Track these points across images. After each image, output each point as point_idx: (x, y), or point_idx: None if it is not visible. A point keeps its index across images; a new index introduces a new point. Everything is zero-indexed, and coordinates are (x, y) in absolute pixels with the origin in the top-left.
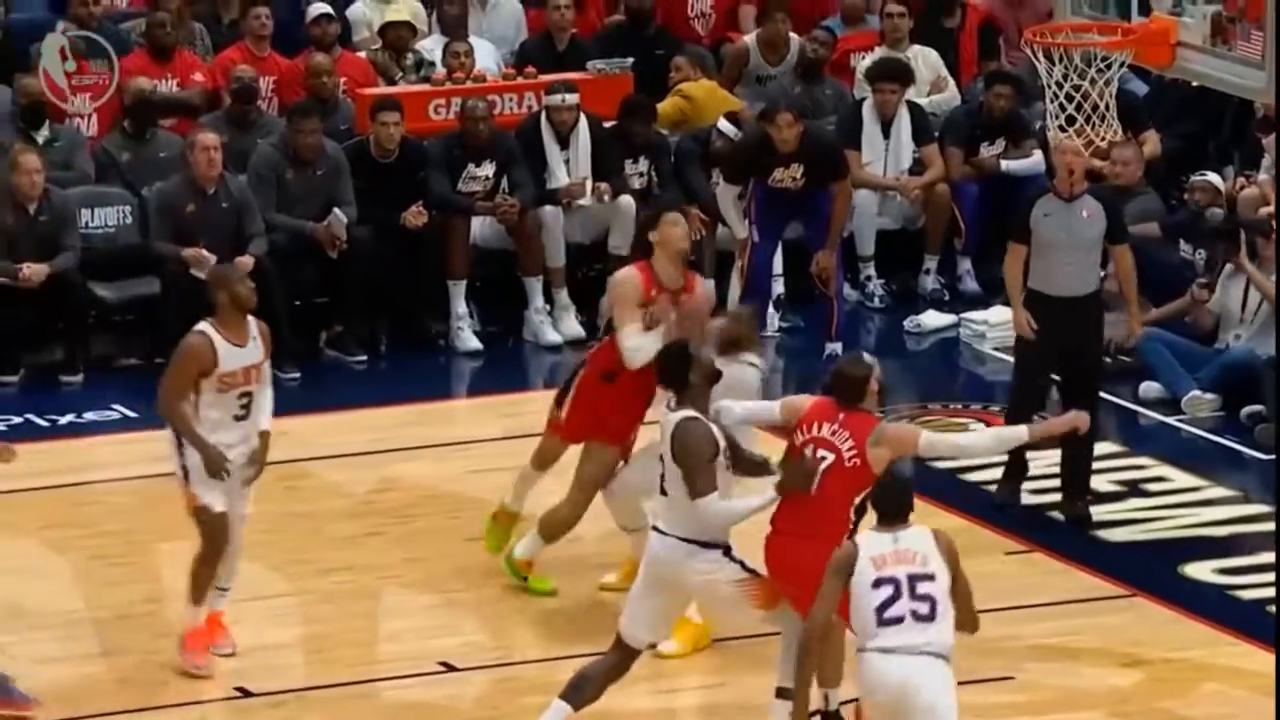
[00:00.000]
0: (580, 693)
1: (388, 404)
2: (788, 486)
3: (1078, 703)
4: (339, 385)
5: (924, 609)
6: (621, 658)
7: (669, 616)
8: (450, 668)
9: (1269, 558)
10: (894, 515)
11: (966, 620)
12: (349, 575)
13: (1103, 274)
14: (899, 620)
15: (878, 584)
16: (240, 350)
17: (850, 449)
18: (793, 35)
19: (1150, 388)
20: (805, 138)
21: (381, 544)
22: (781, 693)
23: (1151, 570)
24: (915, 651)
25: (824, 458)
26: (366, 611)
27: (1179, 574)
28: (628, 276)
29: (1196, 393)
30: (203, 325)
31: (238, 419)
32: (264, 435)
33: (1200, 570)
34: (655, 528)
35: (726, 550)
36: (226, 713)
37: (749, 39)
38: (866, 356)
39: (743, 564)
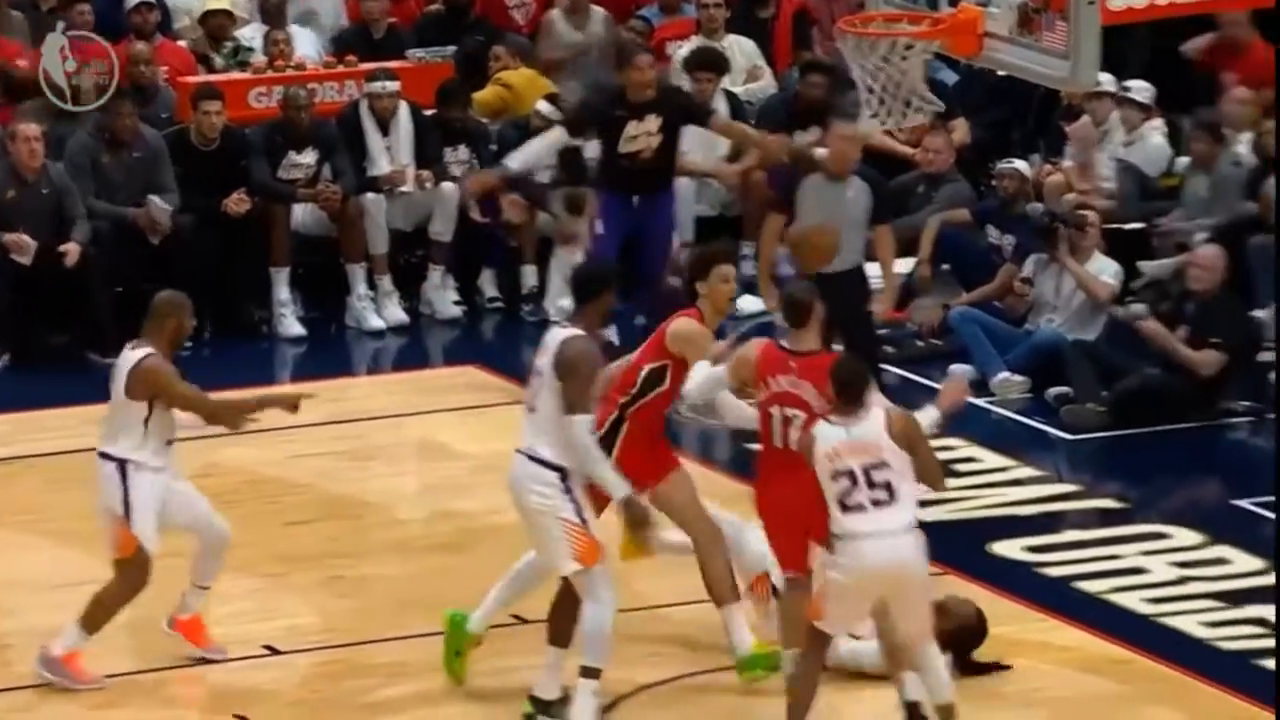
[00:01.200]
0: (553, 628)
1: (210, 389)
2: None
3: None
4: None
5: (882, 495)
6: (564, 587)
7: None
8: (274, 651)
9: (1074, 535)
10: (850, 400)
11: (931, 479)
12: (173, 559)
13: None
14: (860, 508)
15: (835, 476)
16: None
17: (817, 399)
18: (595, 8)
19: (961, 369)
20: (661, 87)
21: None
22: (586, 671)
23: (962, 549)
24: (884, 535)
25: (793, 416)
26: None
27: (988, 552)
28: (698, 329)
29: (1006, 374)
30: (151, 349)
31: (169, 443)
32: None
33: (1009, 548)
34: (516, 450)
35: (564, 476)
36: (50, 698)
37: (555, 12)
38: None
39: (578, 507)
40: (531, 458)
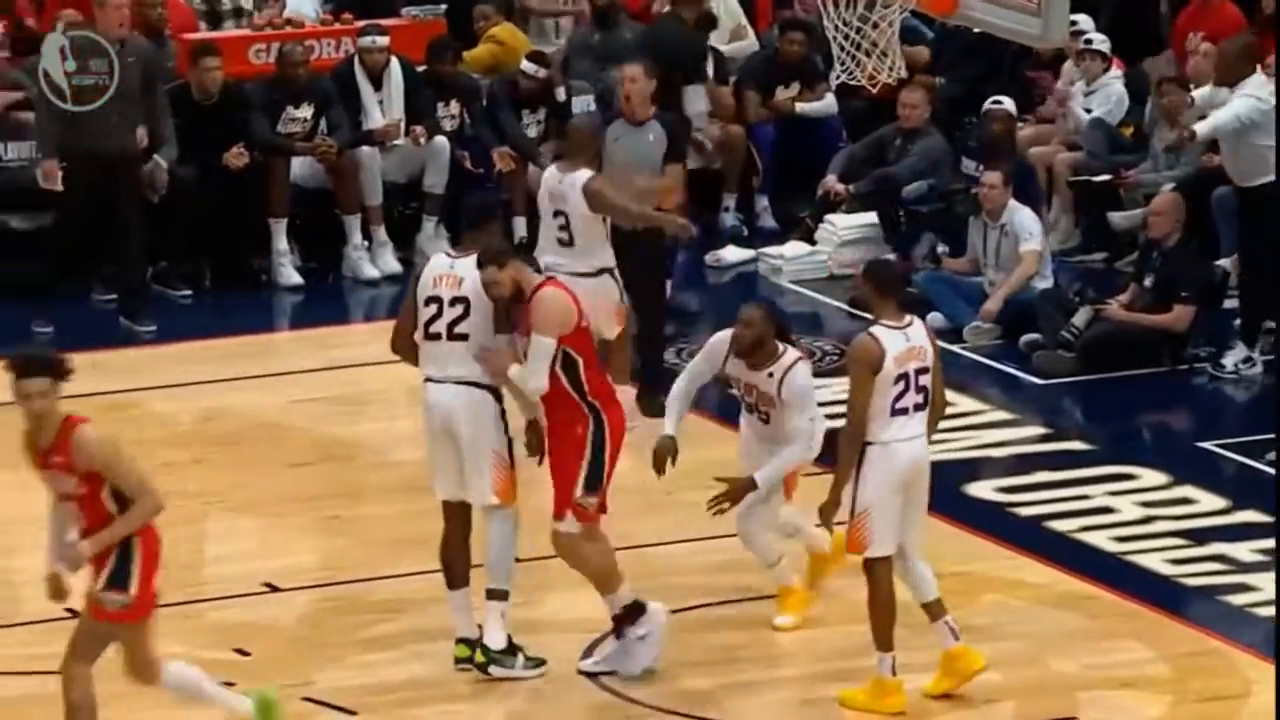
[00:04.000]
0: (455, 573)
1: (212, 337)
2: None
3: (860, 615)
4: (164, 319)
5: (920, 399)
6: (455, 520)
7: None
8: (274, 588)
9: (1044, 476)
10: (896, 300)
11: (939, 403)
12: (176, 501)
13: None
14: (905, 412)
15: (896, 380)
16: None
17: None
18: None
19: (935, 318)
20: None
21: (207, 470)
22: (491, 594)
23: (936, 490)
24: (916, 439)
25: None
26: (193, 535)
27: (962, 493)
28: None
29: (978, 322)
30: None
31: None
32: None
33: (982, 489)
34: (434, 380)
35: (499, 398)
36: (55, 633)
37: None
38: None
39: (509, 439)
40: (471, 384)
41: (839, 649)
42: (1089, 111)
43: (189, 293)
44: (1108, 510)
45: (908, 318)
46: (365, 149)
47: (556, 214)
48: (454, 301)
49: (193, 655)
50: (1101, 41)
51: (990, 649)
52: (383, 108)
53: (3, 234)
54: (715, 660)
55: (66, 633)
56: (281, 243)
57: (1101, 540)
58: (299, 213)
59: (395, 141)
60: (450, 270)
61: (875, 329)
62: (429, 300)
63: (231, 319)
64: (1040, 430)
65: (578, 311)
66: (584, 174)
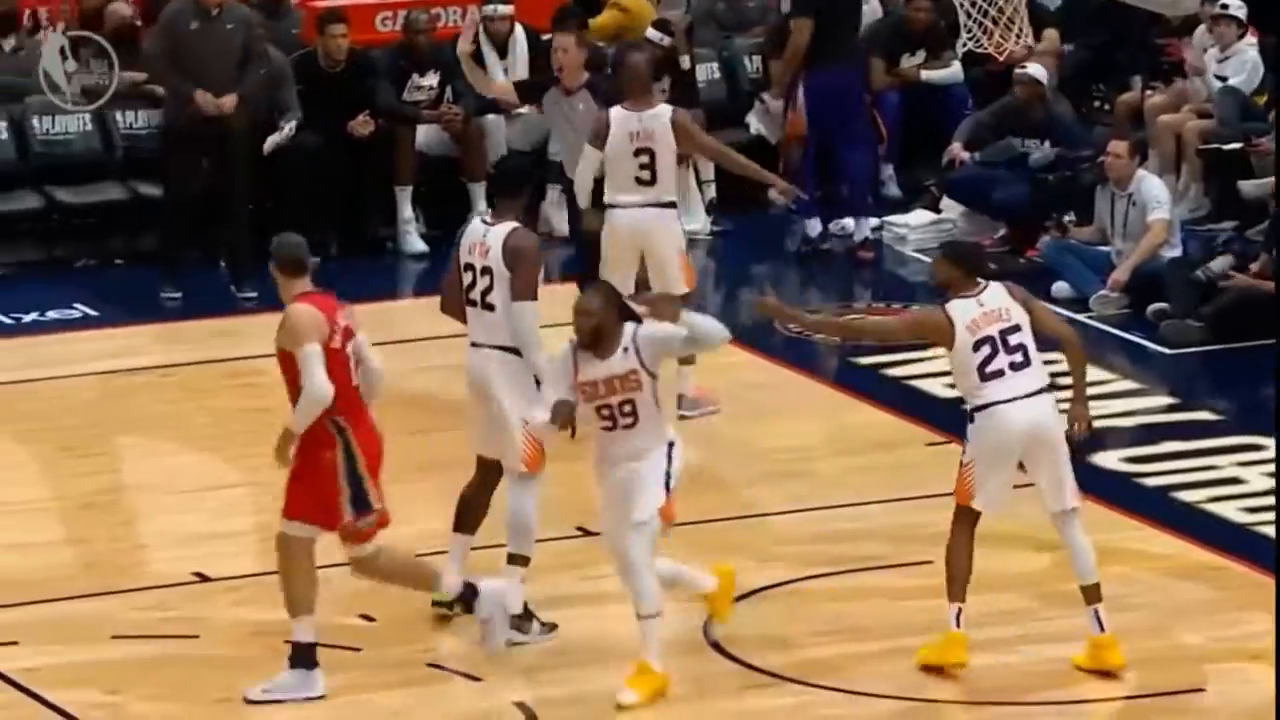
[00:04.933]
0: (465, 519)
1: None
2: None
3: (993, 584)
4: None
5: (1018, 358)
6: (484, 473)
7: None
8: None
9: (1172, 446)
10: (972, 274)
11: (1066, 336)
12: None
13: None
14: (1000, 374)
15: (977, 346)
16: None
17: None
18: None
19: (1062, 287)
20: None
21: None
22: (512, 559)
23: None
24: (1023, 397)
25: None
26: None
27: (1088, 463)
28: None
29: (1105, 291)
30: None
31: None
32: None
33: (1108, 459)
34: (475, 345)
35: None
36: (185, 597)
37: None
38: None
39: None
40: (507, 350)
41: (965, 618)
42: (1222, 79)
43: (315, 260)
44: (1236, 481)
45: (982, 283)
46: (490, 117)
47: (638, 152)
48: (483, 271)
49: (318, 621)
50: (1238, 7)
51: (1117, 620)
52: (507, 75)
53: (132, 201)
54: (837, 629)
55: (194, 595)
56: (407, 210)
57: (1230, 511)
58: (424, 180)
59: (520, 110)
60: (483, 239)
61: (948, 303)
62: (466, 266)
63: (357, 286)
64: (1168, 400)
65: (328, 325)
66: (665, 108)
